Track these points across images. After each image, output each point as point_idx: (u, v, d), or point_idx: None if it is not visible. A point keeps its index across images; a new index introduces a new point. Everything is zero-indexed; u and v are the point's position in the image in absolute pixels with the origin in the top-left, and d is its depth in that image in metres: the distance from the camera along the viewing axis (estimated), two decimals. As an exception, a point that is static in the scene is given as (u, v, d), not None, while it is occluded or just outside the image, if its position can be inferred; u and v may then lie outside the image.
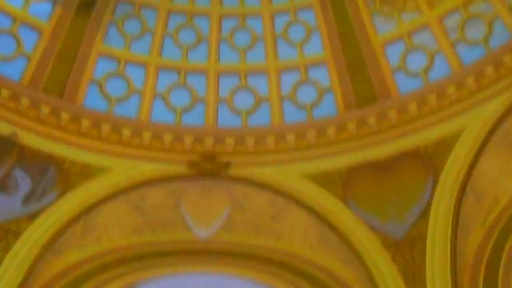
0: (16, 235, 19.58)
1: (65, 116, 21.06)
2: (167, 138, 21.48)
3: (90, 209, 20.59)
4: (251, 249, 21.64)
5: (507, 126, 20.41)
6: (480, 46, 21.91)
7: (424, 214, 20.36)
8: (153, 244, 21.58)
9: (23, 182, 20.14)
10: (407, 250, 20.24)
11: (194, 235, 21.40)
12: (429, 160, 20.81)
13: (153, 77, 23.20)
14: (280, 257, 21.53)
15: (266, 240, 21.72)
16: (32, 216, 19.95)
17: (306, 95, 23.08)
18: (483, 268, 20.02)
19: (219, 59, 23.87)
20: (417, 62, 22.64)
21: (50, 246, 19.95)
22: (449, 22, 22.85)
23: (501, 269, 19.77)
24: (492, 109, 20.60)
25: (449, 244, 19.95)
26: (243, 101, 23.06)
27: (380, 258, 20.22)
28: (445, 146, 20.80)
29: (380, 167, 21.18)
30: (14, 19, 22.38)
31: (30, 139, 20.57)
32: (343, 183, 21.14)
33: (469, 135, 20.65)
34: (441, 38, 22.57)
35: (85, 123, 21.17)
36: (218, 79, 23.46)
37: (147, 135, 21.45)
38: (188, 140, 21.48)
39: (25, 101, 20.69)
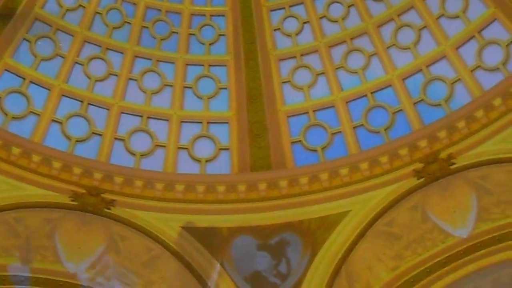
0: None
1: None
2: (56, 165, 21.05)
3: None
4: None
5: (391, 217, 20.86)
6: (380, 135, 22.39)
7: (296, 287, 20.48)
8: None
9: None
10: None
11: (63, 267, 20.84)
12: (310, 235, 21.03)
13: (55, 100, 22.84)
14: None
15: (135, 286, 21.33)
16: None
17: (203, 149, 23.11)
18: None
19: (124, 97, 23.76)
20: (316, 138, 23.02)
21: None
22: (354, 106, 23.36)
23: None
24: (380, 197, 21.09)
25: (315, 321, 20.14)
26: (140, 142, 22.91)
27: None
28: (328, 224, 21.09)
29: (261, 233, 21.25)
30: None
31: None
32: (222, 243, 21.09)
33: (353, 218, 21.04)
34: (344, 119, 23.07)
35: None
36: (120, 117, 23.27)
37: (36, 158, 20.97)
38: (76, 171, 21.11)
39: None
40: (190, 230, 21.25)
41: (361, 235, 20.86)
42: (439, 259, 20.52)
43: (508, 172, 19.99)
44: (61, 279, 20.83)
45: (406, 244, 20.87)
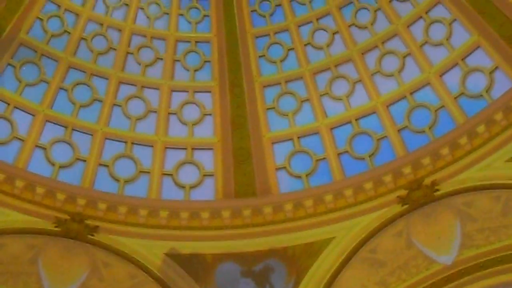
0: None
1: None
2: (40, 190, 20.95)
3: None
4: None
5: (375, 244, 20.85)
6: (364, 162, 22.44)
7: (279, 316, 20.48)
8: (1, 296, 20.77)
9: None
10: None
11: (46, 295, 20.74)
12: (295, 262, 20.98)
13: (39, 126, 22.79)
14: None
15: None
16: None
17: (188, 175, 23.08)
18: None
19: (108, 123, 23.73)
20: (300, 164, 23.05)
21: None
22: (338, 132, 23.43)
23: None
24: (364, 223, 21.10)
25: None
26: (124, 169, 22.87)
27: None
28: (312, 250, 21.07)
29: (245, 259, 21.19)
30: None
31: None
32: (205, 270, 21.00)
33: (338, 245, 21.04)
34: (329, 146, 23.12)
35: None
36: (104, 143, 23.23)
37: (19, 184, 20.86)
38: (60, 197, 21.01)
39: None
40: (174, 256, 21.15)
41: (346, 261, 20.84)
42: (423, 285, 20.55)
43: (491, 198, 20.06)
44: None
45: (390, 271, 20.88)
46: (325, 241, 21.19)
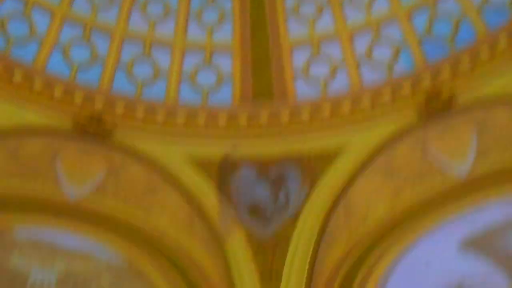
0: None
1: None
2: (58, 90, 20.97)
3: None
4: (117, 219, 21.47)
5: (390, 153, 20.93)
6: (383, 70, 22.28)
7: (293, 219, 20.73)
8: (21, 193, 21.07)
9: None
10: (270, 251, 20.56)
11: (63, 193, 21.08)
12: (310, 168, 21.12)
13: (57, 26, 22.62)
14: (145, 233, 21.42)
15: (134, 213, 21.60)
16: None
17: (205, 79, 23.01)
18: (338, 282, 20.46)
19: (127, 23, 23.53)
20: (320, 71, 22.90)
21: None
22: (360, 39, 23.17)
23: (354, 287, 20.22)
24: (380, 132, 21.08)
25: (310, 252, 20.41)
26: (142, 70, 22.80)
27: (241, 254, 20.51)
28: (328, 157, 21.16)
29: (261, 164, 21.35)
30: None
31: None
32: (222, 173, 21.21)
33: (353, 153, 21.09)
34: (348, 52, 22.87)
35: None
36: (122, 44, 23.12)
37: (38, 83, 20.90)
38: (78, 97, 21.06)
39: None
40: (191, 159, 21.35)
41: (361, 169, 20.97)
42: (437, 196, 20.71)
43: (510, 111, 19.95)
44: (61, 204, 21.13)
45: (404, 180, 21.05)
46: (340, 148, 21.23)
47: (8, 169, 20.85)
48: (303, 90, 22.64)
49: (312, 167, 21.18)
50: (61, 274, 20.57)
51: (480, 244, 20.79)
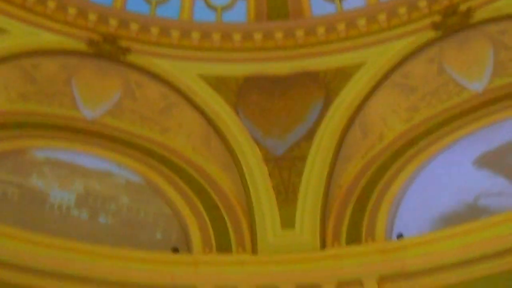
0: None
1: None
2: (72, 11, 20.88)
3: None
4: (134, 138, 21.59)
5: (407, 69, 20.81)
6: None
7: (309, 136, 20.74)
8: (37, 114, 21.16)
9: None
10: (286, 168, 20.63)
11: (80, 114, 21.17)
12: (326, 85, 21.05)
13: None
14: (161, 151, 21.54)
15: (151, 132, 21.71)
16: None
17: (220, -3, 22.88)
18: (354, 198, 20.50)
19: None
20: (334, -13, 22.66)
21: None
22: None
23: (370, 202, 20.31)
24: (396, 48, 20.94)
25: (327, 169, 20.45)
26: (156, -11, 22.65)
27: (257, 171, 20.57)
28: (344, 74, 21.08)
29: (276, 82, 21.30)
30: None
31: None
32: (237, 91, 21.19)
33: (369, 70, 20.97)
34: (364, -32, 22.58)
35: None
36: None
37: (51, 4, 20.79)
38: (92, 17, 20.96)
39: None
40: (206, 77, 21.31)
41: (377, 86, 20.87)
42: (453, 112, 20.67)
43: (527, 25, 19.77)
44: (78, 124, 21.23)
45: (421, 96, 20.98)
46: (356, 65, 21.12)
47: (25, 90, 20.91)
48: (318, 7, 22.42)
49: (328, 84, 21.09)
50: (80, 193, 20.69)
51: (495, 161, 20.72)
